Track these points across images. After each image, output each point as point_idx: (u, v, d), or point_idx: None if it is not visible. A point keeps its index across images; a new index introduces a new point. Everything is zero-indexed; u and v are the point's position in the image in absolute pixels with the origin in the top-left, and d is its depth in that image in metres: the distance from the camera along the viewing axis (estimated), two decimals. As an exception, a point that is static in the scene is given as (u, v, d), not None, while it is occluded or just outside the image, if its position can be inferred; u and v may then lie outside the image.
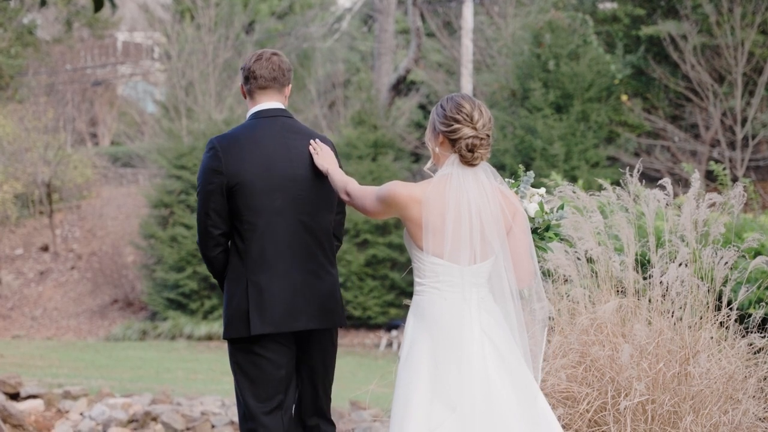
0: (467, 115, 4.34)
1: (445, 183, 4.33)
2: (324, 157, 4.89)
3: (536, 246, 4.72)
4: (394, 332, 24.80)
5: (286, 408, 5.01)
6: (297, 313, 4.83)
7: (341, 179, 4.72)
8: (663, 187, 6.10)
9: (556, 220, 4.73)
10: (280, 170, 4.83)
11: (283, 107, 5.01)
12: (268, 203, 4.82)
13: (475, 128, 4.34)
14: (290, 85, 5.08)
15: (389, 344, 24.74)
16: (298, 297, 4.83)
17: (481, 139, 4.34)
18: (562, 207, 4.78)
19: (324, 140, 5.03)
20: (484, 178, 4.37)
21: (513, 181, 4.72)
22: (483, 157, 4.36)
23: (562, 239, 5.20)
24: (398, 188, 4.35)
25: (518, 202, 4.48)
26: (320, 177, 4.90)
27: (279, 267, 4.82)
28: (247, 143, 4.88)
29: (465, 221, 4.30)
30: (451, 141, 4.35)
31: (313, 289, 4.85)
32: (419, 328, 4.33)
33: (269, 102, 4.98)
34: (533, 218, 4.68)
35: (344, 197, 4.68)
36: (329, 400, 5.17)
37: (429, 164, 4.50)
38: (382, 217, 4.50)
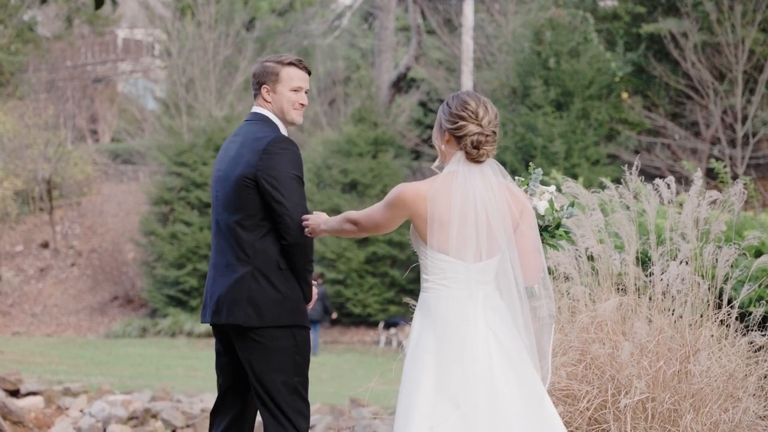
0: (472, 113, 4.33)
1: (451, 180, 4.32)
2: (316, 225, 4.71)
3: (548, 244, 4.70)
4: (392, 330, 24.69)
5: (219, 422, 5.12)
6: (204, 307, 5.06)
7: (337, 219, 4.59)
8: (667, 186, 6.09)
9: (567, 217, 4.69)
10: (215, 171, 5.06)
11: (255, 111, 5.04)
12: (211, 201, 5.13)
13: (480, 125, 4.33)
14: (257, 90, 5.03)
15: (388, 342, 24.66)
16: (207, 292, 5.06)
17: (487, 135, 4.33)
18: (572, 204, 4.75)
19: (284, 143, 4.87)
20: (491, 174, 4.36)
21: (522, 179, 4.69)
22: (489, 153, 4.35)
23: (570, 237, 5.18)
24: (404, 188, 4.35)
25: (526, 199, 4.46)
26: (235, 177, 4.89)
27: (211, 261, 5.09)
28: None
29: (471, 218, 4.29)
30: (457, 138, 4.34)
31: (215, 284, 4.98)
32: (425, 324, 4.33)
33: None
34: (543, 216, 4.64)
35: (351, 228, 4.49)
36: (274, 418, 4.87)
37: (437, 162, 4.48)
38: (394, 226, 4.40)
